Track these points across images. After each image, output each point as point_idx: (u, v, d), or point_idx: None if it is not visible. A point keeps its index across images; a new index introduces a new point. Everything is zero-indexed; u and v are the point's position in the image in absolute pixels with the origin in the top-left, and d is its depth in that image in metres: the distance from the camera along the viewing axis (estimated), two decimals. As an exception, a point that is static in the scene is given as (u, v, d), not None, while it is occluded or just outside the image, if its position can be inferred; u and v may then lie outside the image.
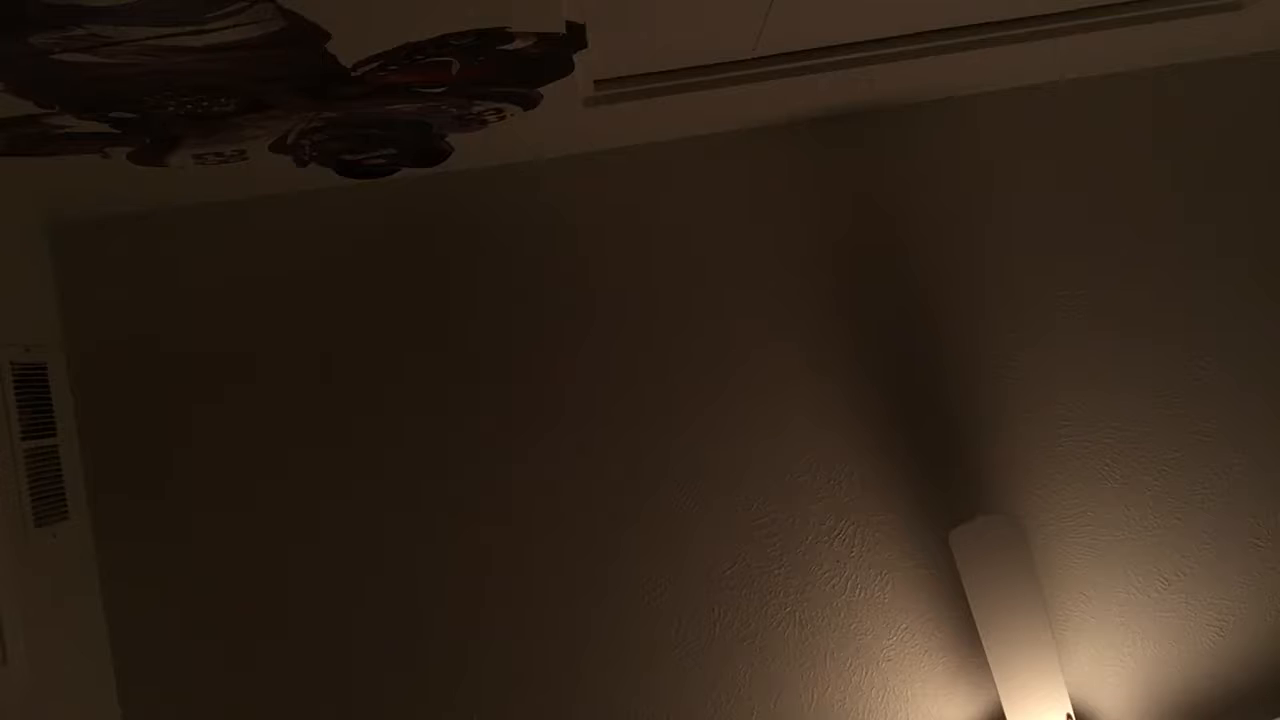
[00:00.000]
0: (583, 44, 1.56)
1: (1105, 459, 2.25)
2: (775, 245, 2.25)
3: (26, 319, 2.10)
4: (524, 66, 1.60)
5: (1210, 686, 2.24)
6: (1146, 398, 2.25)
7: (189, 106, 1.56)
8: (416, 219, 2.24)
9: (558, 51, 1.56)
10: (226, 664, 2.21)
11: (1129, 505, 2.24)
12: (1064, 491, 2.24)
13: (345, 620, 2.22)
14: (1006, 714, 2.09)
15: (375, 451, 2.23)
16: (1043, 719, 2.08)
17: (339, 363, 2.23)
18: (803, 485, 2.25)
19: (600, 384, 2.24)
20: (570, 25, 1.48)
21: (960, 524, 2.10)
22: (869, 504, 2.25)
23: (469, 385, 2.24)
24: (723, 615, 2.24)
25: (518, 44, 1.50)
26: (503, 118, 1.86)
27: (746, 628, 2.24)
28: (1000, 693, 2.09)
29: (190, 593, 2.21)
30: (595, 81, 1.83)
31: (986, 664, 2.13)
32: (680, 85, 1.87)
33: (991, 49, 1.90)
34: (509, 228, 2.25)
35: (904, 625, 2.24)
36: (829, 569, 2.25)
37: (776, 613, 2.24)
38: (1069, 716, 2.08)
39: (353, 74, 1.51)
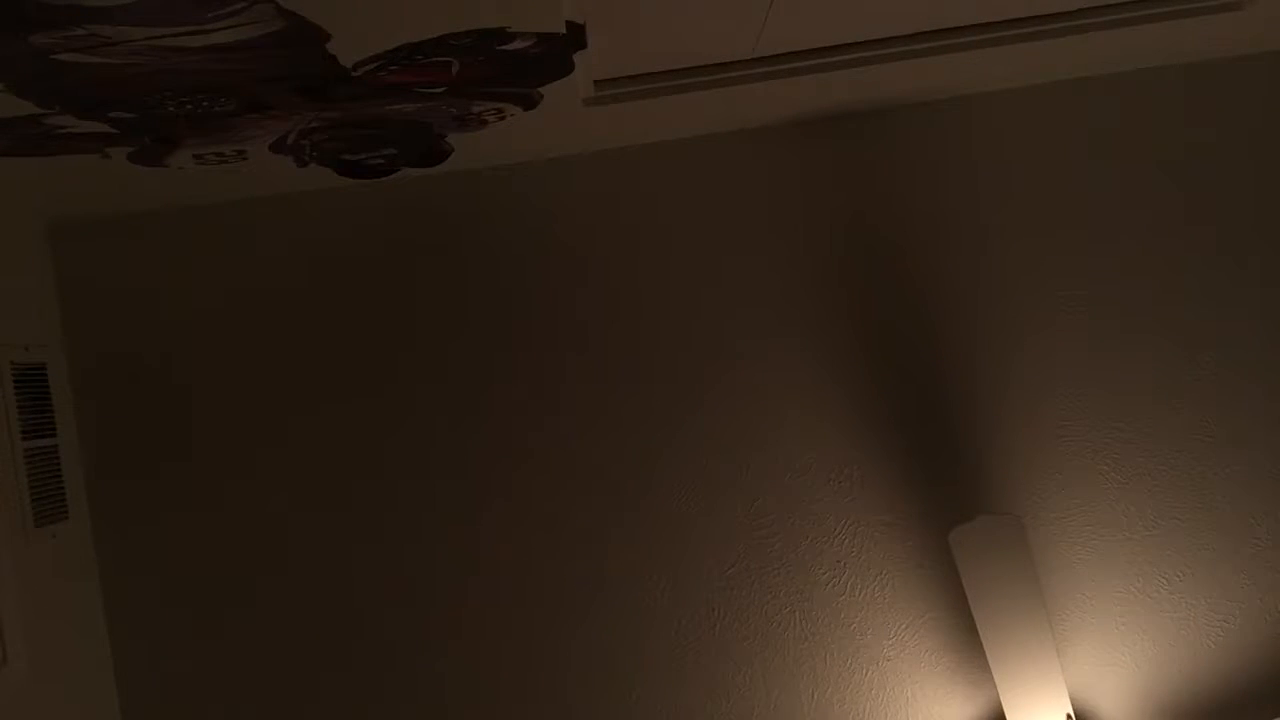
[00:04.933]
0: (583, 44, 1.56)
1: (1105, 459, 2.25)
2: (775, 245, 2.25)
3: (26, 319, 2.10)
4: (524, 66, 1.60)
5: (1210, 686, 2.24)
6: (1146, 398, 2.25)
7: (189, 106, 1.56)
8: (416, 219, 2.24)
9: (558, 51, 1.56)
10: (226, 663, 2.21)
11: (1129, 505, 2.25)
12: (1064, 491, 2.24)
13: (345, 621, 2.22)
14: (1006, 714, 2.09)
15: (375, 451, 2.23)
16: (1043, 719, 2.08)
17: (339, 362, 2.23)
18: (803, 485, 2.25)
19: (600, 383, 2.24)
20: (570, 25, 1.48)
21: (960, 524, 2.10)
22: (869, 504, 2.25)
23: (468, 385, 2.24)
24: (723, 615, 2.24)
25: (518, 44, 1.50)
26: (503, 118, 1.86)
27: (746, 628, 2.24)
28: (1000, 693, 2.09)
29: (190, 592, 2.21)
30: (595, 81, 1.83)
31: (986, 664, 2.13)
32: (680, 85, 1.87)
33: (991, 49, 1.90)
34: (509, 228, 2.25)
35: (904, 625, 2.24)
36: (829, 569, 2.25)
37: (776, 613, 2.25)
38: (1069, 716, 2.08)
39: (353, 74, 1.51)
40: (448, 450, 2.23)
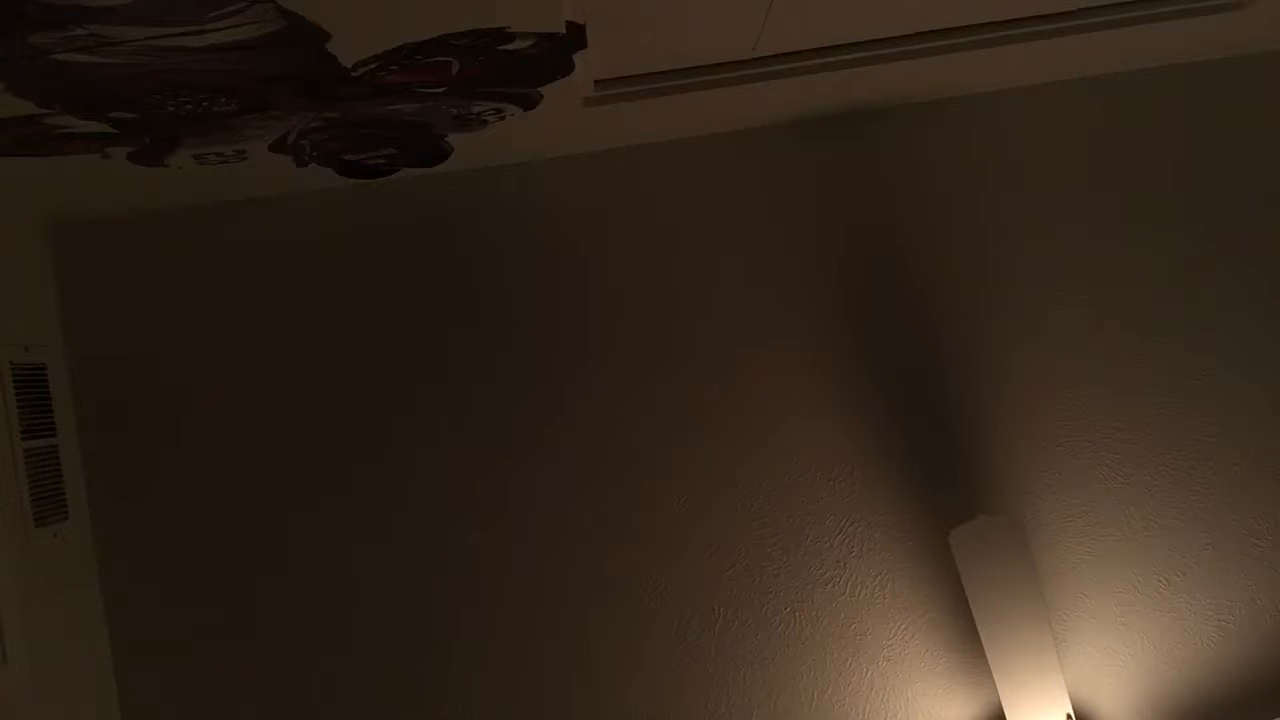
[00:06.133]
0: (583, 44, 1.56)
1: (1105, 459, 2.25)
2: (774, 245, 2.25)
3: (26, 319, 2.10)
4: (524, 66, 1.60)
5: (1210, 686, 2.24)
6: (1146, 398, 2.25)
7: (189, 107, 1.56)
8: (416, 219, 2.24)
9: (558, 51, 1.56)
10: (226, 663, 2.21)
11: (1129, 505, 2.24)
12: (1064, 491, 2.24)
13: (345, 621, 2.22)
14: (1006, 714, 2.09)
15: (375, 452, 2.23)
16: (1043, 719, 2.08)
17: (338, 361, 2.23)
18: (802, 485, 2.25)
19: (600, 382, 2.24)
20: (570, 25, 1.48)
21: (960, 524, 2.10)
22: (869, 504, 2.25)
23: (468, 385, 2.24)
24: (723, 615, 2.24)
25: (518, 44, 1.50)
26: (503, 118, 1.86)
27: (746, 628, 2.24)
28: (1000, 693, 2.09)
29: (190, 592, 2.21)
30: (595, 81, 1.83)
31: (986, 664, 2.13)
32: (680, 85, 1.87)
33: (991, 49, 1.90)
34: (508, 228, 2.25)
35: (904, 625, 2.24)
36: (829, 569, 2.25)
37: (776, 613, 2.24)
38: (1069, 716, 2.08)
39: (353, 74, 1.51)
40: (447, 450, 2.23)
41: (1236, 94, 2.27)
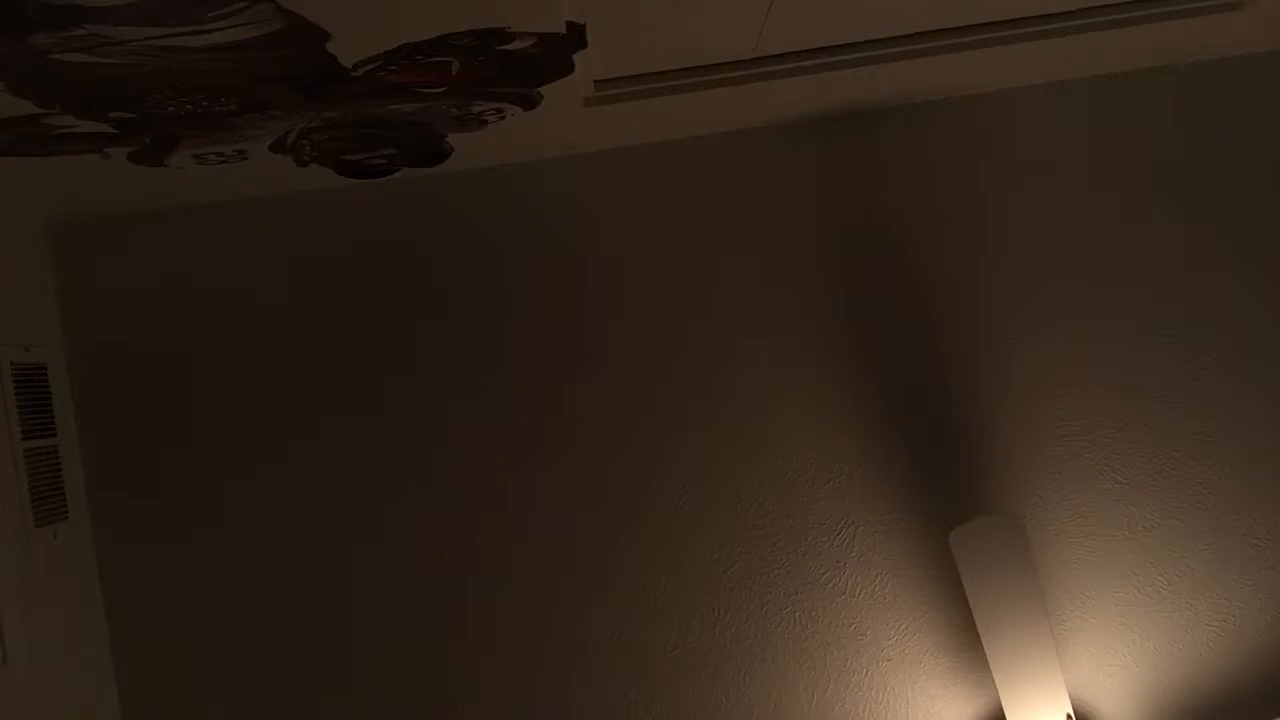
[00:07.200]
0: (583, 44, 1.57)
1: (1105, 459, 2.25)
2: (774, 245, 2.25)
3: (26, 319, 2.10)
4: (524, 66, 1.60)
5: (1210, 686, 2.24)
6: (1146, 398, 2.25)
7: (189, 107, 1.56)
8: (416, 219, 2.24)
9: (558, 51, 1.56)
10: (226, 663, 2.21)
11: (1129, 505, 2.25)
12: (1064, 491, 2.24)
13: (345, 620, 2.22)
14: (1006, 714, 2.09)
15: (375, 451, 2.23)
16: (1043, 719, 2.08)
17: (338, 362, 2.23)
18: (802, 485, 2.25)
19: (600, 383, 2.24)
20: (570, 25, 1.48)
21: (960, 524, 2.10)
22: (869, 504, 2.25)
23: (468, 385, 2.24)
24: (723, 615, 2.24)
25: (518, 44, 1.50)
26: (503, 118, 1.86)
27: (746, 628, 2.24)
28: (1000, 693, 2.09)
29: (190, 592, 2.21)
30: (595, 81, 1.83)
31: (986, 664, 2.13)
32: (680, 85, 1.87)
33: (991, 49, 1.90)
34: (509, 228, 2.25)
35: (904, 625, 2.24)
36: (829, 569, 2.25)
37: (776, 613, 2.25)
38: (1069, 716, 2.08)
39: (353, 74, 1.51)
40: (447, 450, 2.23)
41: (1236, 94, 2.27)
